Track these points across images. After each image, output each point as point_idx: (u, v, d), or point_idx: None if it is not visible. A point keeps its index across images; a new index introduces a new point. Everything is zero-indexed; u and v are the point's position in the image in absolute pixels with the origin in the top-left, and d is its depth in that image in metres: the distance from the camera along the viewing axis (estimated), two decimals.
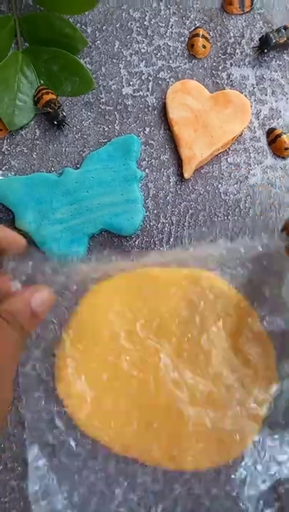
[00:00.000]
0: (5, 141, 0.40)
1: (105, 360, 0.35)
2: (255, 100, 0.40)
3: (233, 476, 0.35)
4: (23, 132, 0.40)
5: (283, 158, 0.39)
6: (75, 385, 0.35)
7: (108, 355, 0.35)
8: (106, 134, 0.40)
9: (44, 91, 0.39)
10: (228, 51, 0.41)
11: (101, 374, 0.35)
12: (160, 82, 0.40)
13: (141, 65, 0.41)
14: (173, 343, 0.35)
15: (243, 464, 0.34)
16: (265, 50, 0.40)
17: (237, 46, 0.41)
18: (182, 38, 0.41)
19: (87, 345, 0.35)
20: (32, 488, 0.35)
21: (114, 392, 0.35)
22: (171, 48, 0.41)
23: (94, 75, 0.40)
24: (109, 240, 0.39)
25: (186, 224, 0.39)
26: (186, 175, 0.38)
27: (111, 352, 0.35)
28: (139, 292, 0.36)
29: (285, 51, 0.41)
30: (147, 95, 0.40)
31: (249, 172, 0.39)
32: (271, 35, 0.39)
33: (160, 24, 0.41)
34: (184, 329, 0.35)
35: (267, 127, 0.40)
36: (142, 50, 0.41)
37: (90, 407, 0.35)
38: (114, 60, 0.41)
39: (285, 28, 0.39)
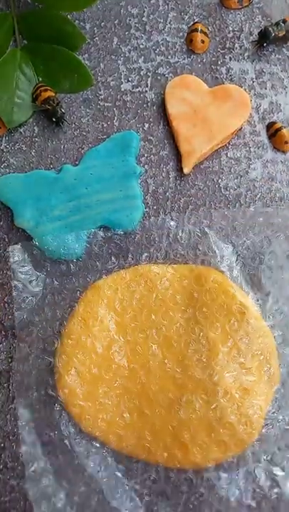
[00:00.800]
0: (3, 138, 0.40)
1: (104, 358, 0.35)
2: (254, 94, 0.40)
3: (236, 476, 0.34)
4: (21, 130, 0.40)
5: (283, 152, 0.39)
6: (72, 382, 0.35)
7: (103, 351, 0.35)
8: (105, 130, 0.40)
9: (42, 88, 0.39)
10: (227, 46, 0.40)
11: (101, 371, 0.35)
12: (159, 77, 0.40)
13: (140, 61, 0.40)
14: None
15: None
16: (265, 44, 0.39)
17: (236, 40, 0.40)
18: (181, 34, 0.41)
19: (84, 342, 0.35)
20: (32, 489, 0.34)
21: (109, 387, 0.35)
22: (169, 44, 0.41)
23: (92, 72, 0.40)
24: (109, 236, 0.38)
25: (185, 220, 0.38)
26: (186, 170, 0.38)
27: (106, 348, 0.35)
28: (136, 288, 0.36)
29: (284, 45, 0.40)
30: (146, 91, 0.40)
31: (249, 166, 0.39)
32: (270, 28, 0.39)
33: (158, 20, 0.41)
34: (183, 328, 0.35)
35: (267, 121, 0.39)
36: (141, 46, 0.41)
37: (87, 404, 0.35)
38: (113, 57, 0.41)
39: (284, 21, 0.39)
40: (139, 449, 0.34)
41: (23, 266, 0.37)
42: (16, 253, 0.37)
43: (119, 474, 0.35)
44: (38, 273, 0.37)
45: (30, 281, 0.37)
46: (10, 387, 0.36)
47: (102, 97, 0.40)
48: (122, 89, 0.40)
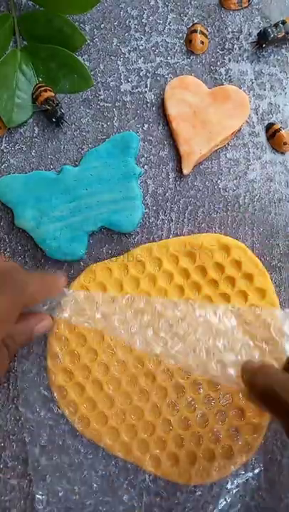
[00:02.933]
0: (4, 139, 0.40)
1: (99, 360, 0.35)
2: (253, 95, 0.40)
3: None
4: (21, 130, 0.40)
5: (282, 153, 0.39)
6: (63, 382, 0.35)
7: (100, 353, 0.35)
8: (105, 130, 0.40)
9: (42, 88, 0.39)
10: (227, 46, 0.41)
11: (95, 373, 0.35)
12: (158, 78, 0.40)
13: (139, 62, 0.41)
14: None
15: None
16: (264, 45, 0.40)
17: (235, 41, 0.41)
18: (180, 35, 0.41)
19: (72, 342, 0.35)
20: (37, 490, 0.35)
21: (102, 387, 0.35)
22: (169, 45, 0.41)
23: (92, 72, 0.40)
24: (109, 237, 0.38)
25: (185, 220, 0.38)
26: (185, 171, 0.38)
27: (102, 349, 0.35)
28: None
29: (283, 46, 0.40)
30: (146, 91, 0.40)
31: (248, 167, 0.39)
32: (269, 29, 0.39)
33: (158, 21, 0.41)
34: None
35: (266, 122, 0.40)
36: (140, 47, 0.41)
37: (80, 403, 0.35)
38: (113, 57, 0.41)
39: (283, 22, 0.39)
40: (130, 452, 0.35)
41: None
42: None
43: (117, 472, 0.35)
44: None
45: None
46: (10, 387, 0.36)
47: (101, 97, 0.40)
48: (122, 90, 0.40)
